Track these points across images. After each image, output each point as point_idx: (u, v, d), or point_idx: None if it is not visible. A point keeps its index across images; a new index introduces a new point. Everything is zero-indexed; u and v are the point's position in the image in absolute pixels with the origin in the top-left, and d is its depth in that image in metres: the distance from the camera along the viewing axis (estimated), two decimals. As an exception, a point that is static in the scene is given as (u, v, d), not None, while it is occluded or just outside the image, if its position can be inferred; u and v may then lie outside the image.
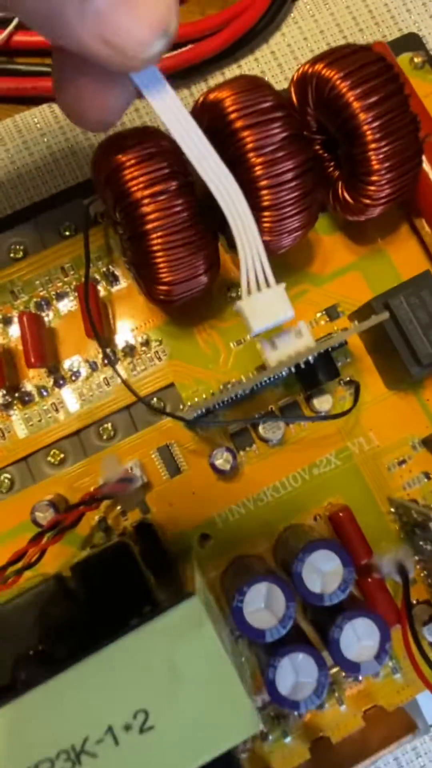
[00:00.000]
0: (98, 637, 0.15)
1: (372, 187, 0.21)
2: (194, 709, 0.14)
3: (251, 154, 0.20)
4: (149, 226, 0.20)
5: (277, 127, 0.20)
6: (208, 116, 0.20)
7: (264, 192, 0.20)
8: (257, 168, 0.20)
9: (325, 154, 0.23)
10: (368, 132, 0.20)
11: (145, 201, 0.20)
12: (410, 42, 0.30)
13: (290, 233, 0.22)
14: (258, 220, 0.21)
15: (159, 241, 0.20)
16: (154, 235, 0.20)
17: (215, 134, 0.21)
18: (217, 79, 0.31)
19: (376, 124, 0.20)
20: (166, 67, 0.30)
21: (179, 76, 0.31)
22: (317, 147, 0.23)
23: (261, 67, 0.31)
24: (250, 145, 0.20)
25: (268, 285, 0.19)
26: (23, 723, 0.14)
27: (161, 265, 0.21)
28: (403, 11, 0.32)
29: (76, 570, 0.16)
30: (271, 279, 0.19)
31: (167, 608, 0.15)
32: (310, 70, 0.21)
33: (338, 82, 0.20)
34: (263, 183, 0.20)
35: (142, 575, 0.16)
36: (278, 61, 0.32)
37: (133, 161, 0.20)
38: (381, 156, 0.21)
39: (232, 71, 0.31)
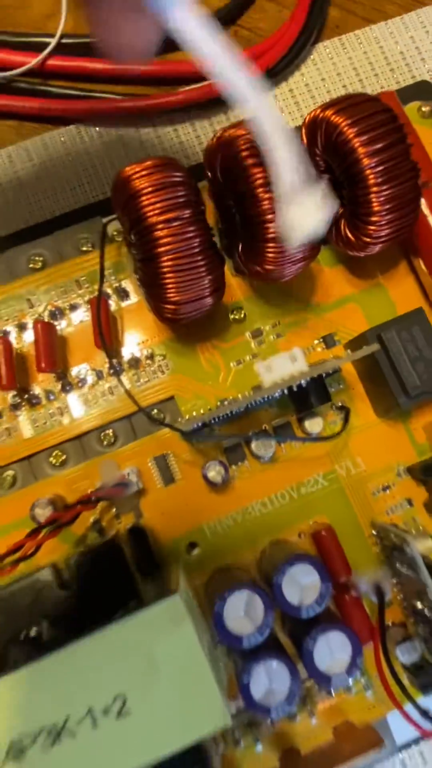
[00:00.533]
0: (86, 626, 0.16)
1: (372, 227, 0.23)
2: (169, 699, 0.15)
3: (260, 190, 0.21)
4: (161, 249, 0.22)
5: (286, 166, 0.21)
6: (224, 151, 0.22)
7: (269, 225, 0.21)
8: (264, 202, 0.21)
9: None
10: (371, 176, 0.21)
11: (159, 226, 0.22)
12: (422, 90, 0.32)
13: (293, 264, 0.23)
14: (263, 250, 0.22)
15: (169, 264, 0.22)
16: (165, 258, 0.22)
17: (230, 168, 0.22)
18: (236, 112, 0.33)
19: (378, 169, 0.22)
20: (190, 98, 0.32)
21: (201, 107, 0.32)
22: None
23: (279, 104, 0.33)
24: (259, 182, 0.21)
25: (304, 195, 0.18)
26: (9, 699, 0.15)
27: (170, 286, 0.22)
28: (418, 60, 0.34)
29: (70, 562, 0.17)
30: (306, 188, 0.18)
31: (151, 603, 0.16)
32: (320, 115, 0.23)
33: (345, 128, 0.22)
34: (269, 216, 0.21)
35: (131, 573, 0.17)
36: (295, 99, 0.33)
37: (150, 189, 0.22)
38: (382, 198, 0.22)
39: (251, 106, 0.33)
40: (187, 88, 0.32)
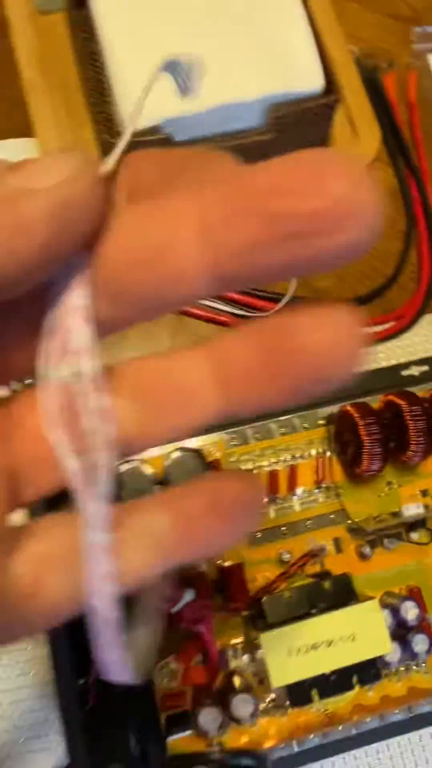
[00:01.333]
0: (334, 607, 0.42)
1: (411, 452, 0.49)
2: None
3: (413, 444, 0.48)
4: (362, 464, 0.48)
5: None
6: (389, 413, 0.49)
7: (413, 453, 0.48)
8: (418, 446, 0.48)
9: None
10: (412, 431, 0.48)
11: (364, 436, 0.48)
12: None
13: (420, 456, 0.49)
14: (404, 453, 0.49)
15: (366, 462, 0.49)
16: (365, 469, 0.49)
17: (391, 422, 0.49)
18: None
19: (418, 426, 0.48)
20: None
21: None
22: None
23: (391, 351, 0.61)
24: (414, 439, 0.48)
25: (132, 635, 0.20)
26: (307, 634, 0.41)
27: (364, 458, 0.49)
28: None
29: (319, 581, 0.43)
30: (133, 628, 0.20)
31: (365, 599, 0.42)
32: (393, 400, 0.50)
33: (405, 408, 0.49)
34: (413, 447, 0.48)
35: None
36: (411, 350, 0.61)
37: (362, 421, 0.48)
38: (419, 440, 0.49)
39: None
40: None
